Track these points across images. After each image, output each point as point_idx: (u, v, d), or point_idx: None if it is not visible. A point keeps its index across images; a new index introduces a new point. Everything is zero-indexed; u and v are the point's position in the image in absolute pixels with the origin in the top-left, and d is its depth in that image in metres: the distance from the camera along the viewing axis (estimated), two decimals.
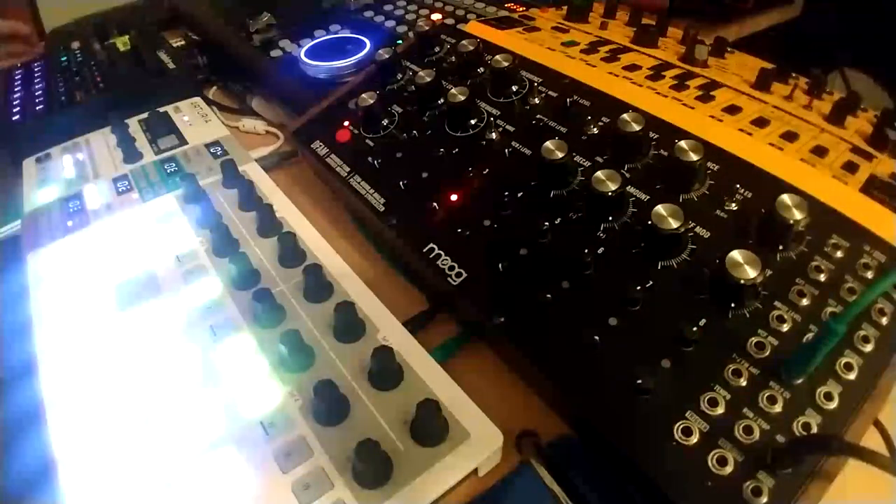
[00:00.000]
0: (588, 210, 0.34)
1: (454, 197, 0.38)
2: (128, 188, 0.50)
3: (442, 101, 0.44)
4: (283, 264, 0.40)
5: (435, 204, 0.38)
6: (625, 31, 0.52)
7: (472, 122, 0.42)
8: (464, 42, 0.46)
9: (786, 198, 0.29)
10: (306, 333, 0.34)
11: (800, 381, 0.26)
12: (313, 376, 0.32)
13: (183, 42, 0.78)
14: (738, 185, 0.33)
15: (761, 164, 0.33)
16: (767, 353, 0.27)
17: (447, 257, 0.36)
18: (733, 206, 0.32)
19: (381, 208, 0.41)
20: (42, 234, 0.46)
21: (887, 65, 0.95)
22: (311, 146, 0.48)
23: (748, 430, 0.25)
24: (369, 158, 0.44)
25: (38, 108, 0.61)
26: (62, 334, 0.37)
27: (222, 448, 0.30)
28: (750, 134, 0.36)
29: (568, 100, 0.40)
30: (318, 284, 0.37)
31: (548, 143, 0.35)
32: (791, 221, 0.28)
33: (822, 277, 0.28)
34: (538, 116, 0.41)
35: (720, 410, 0.26)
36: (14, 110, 0.61)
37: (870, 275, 0.28)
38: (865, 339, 0.27)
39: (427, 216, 0.38)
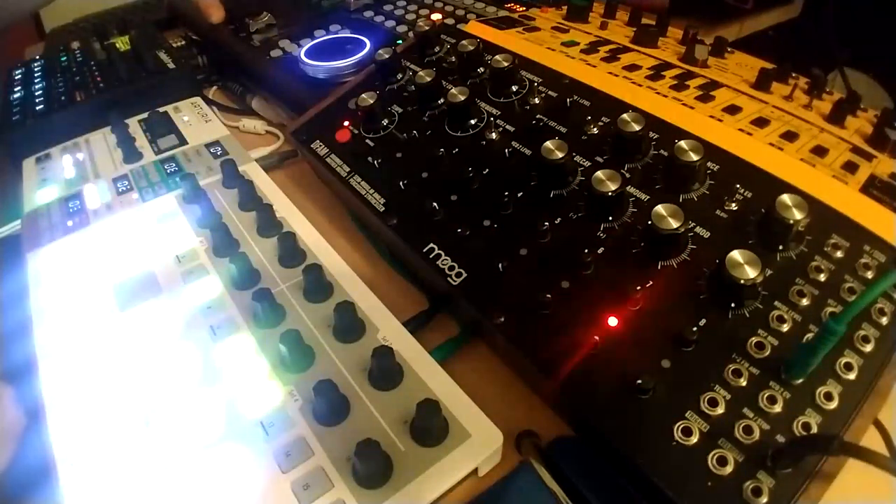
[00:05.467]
0: (588, 210, 0.34)
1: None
2: (128, 188, 0.50)
3: (442, 100, 0.44)
4: (283, 264, 0.40)
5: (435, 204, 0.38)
6: (625, 30, 0.52)
7: (472, 122, 0.42)
8: (464, 42, 0.46)
9: (786, 198, 0.29)
10: (306, 333, 0.34)
11: (800, 381, 0.26)
12: (313, 376, 0.32)
13: (183, 42, 0.78)
14: (738, 185, 0.33)
15: (761, 164, 0.33)
16: (767, 353, 0.27)
17: (447, 257, 0.36)
18: (733, 206, 0.32)
19: (381, 208, 0.41)
20: (42, 233, 0.46)
21: (887, 65, 0.95)
22: (311, 146, 0.48)
23: (748, 430, 0.25)
24: (369, 158, 0.44)
25: (37, 107, 0.61)
26: (62, 334, 0.37)
27: (222, 448, 0.30)
28: (750, 134, 0.36)
29: (568, 100, 0.40)
30: (318, 284, 0.37)
31: (548, 143, 0.35)
32: (791, 221, 0.28)
33: (822, 277, 0.28)
34: (538, 116, 0.41)
35: (720, 410, 0.26)
36: (14, 110, 0.61)
37: (870, 275, 0.28)
38: (865, 339, 0.26)
39: (427, 216, 0.38)
